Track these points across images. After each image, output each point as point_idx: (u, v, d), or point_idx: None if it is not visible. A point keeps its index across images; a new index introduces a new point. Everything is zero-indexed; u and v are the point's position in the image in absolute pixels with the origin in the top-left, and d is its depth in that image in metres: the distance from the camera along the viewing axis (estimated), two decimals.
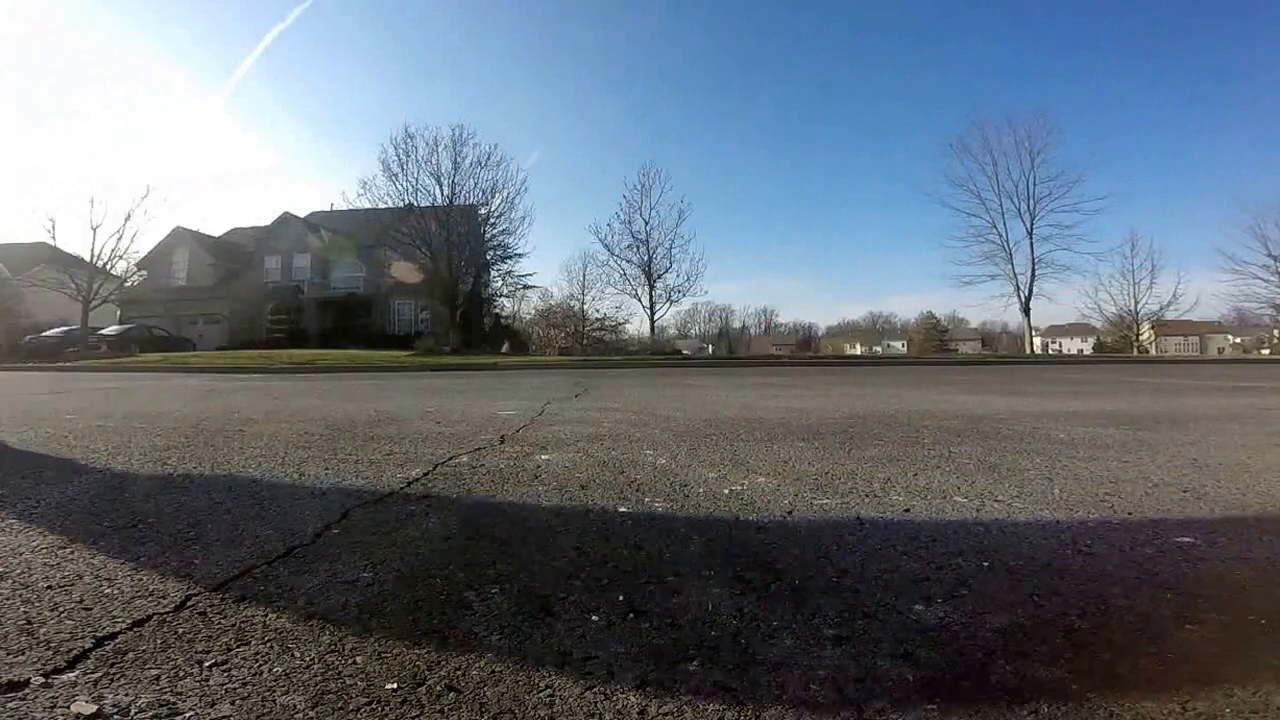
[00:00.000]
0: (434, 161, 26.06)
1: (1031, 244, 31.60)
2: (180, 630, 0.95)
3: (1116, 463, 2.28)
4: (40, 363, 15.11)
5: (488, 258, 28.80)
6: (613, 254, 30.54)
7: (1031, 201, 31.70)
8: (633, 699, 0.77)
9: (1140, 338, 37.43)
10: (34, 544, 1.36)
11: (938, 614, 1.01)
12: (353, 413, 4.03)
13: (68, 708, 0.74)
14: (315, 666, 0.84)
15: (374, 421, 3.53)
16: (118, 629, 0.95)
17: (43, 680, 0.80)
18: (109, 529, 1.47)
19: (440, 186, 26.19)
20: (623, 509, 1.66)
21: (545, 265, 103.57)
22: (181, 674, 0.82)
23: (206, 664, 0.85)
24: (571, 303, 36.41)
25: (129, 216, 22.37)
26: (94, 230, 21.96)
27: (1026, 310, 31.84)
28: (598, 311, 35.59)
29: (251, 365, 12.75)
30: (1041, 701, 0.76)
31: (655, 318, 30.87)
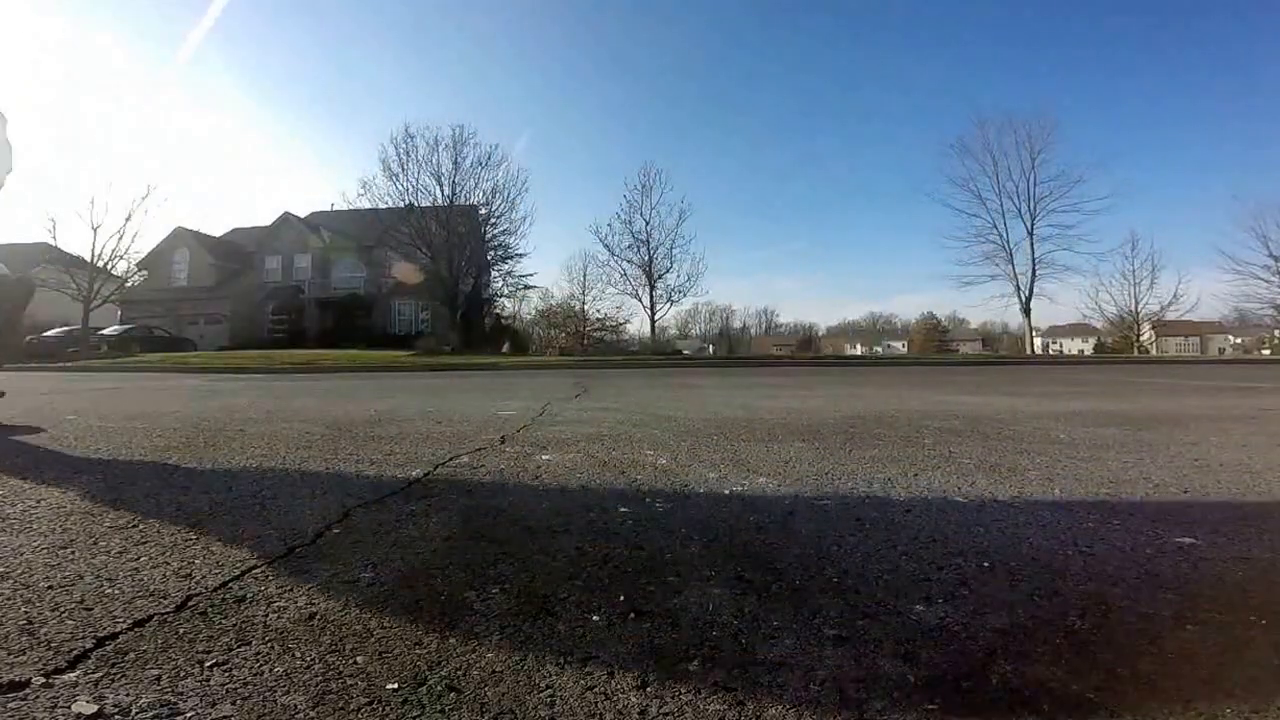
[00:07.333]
0: (434, 161, 26.12)
1: (1032, 244, 31.65)
2: (181, 630, 0.95)
3: (1117, 463, 2.28)
4: (41, 363, 15.11)
5: (488, 258, 28.80)
6: (613, 254, 30.64)
7: (1032, 202, 31.75)
8: (633, 699, 0.77)
9: (1141, 338, 37.40)
10: (35, 544, 1.36)
11: (938, 614, 1.01)
12: (353, 413, 4.03)
13: (69, 708, 0.74)
14: (316, 666, 0.84)
15: (374, 421, 3.53)
16: (119, 629, 0.95)
17: (44, 680, 0.80)
18: (110, 529, 1.47)
19: (441, 186, 26.24)
20: (623, 509, 1.66)
21: (546, 265, 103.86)
22: (182, 674, 0.82)
23: (207, 664, 0.85)
24: (572, 303, 36.44)
25: (129, 216, 22.42)
26: (94, 230, 21.98)
27: (1027, 310, 31.86)
28: (598, 312, 35.65)
29: (252, 365, 12.75)
30: (1042, 702, 0.76)
31: (656, 318, 30.95)
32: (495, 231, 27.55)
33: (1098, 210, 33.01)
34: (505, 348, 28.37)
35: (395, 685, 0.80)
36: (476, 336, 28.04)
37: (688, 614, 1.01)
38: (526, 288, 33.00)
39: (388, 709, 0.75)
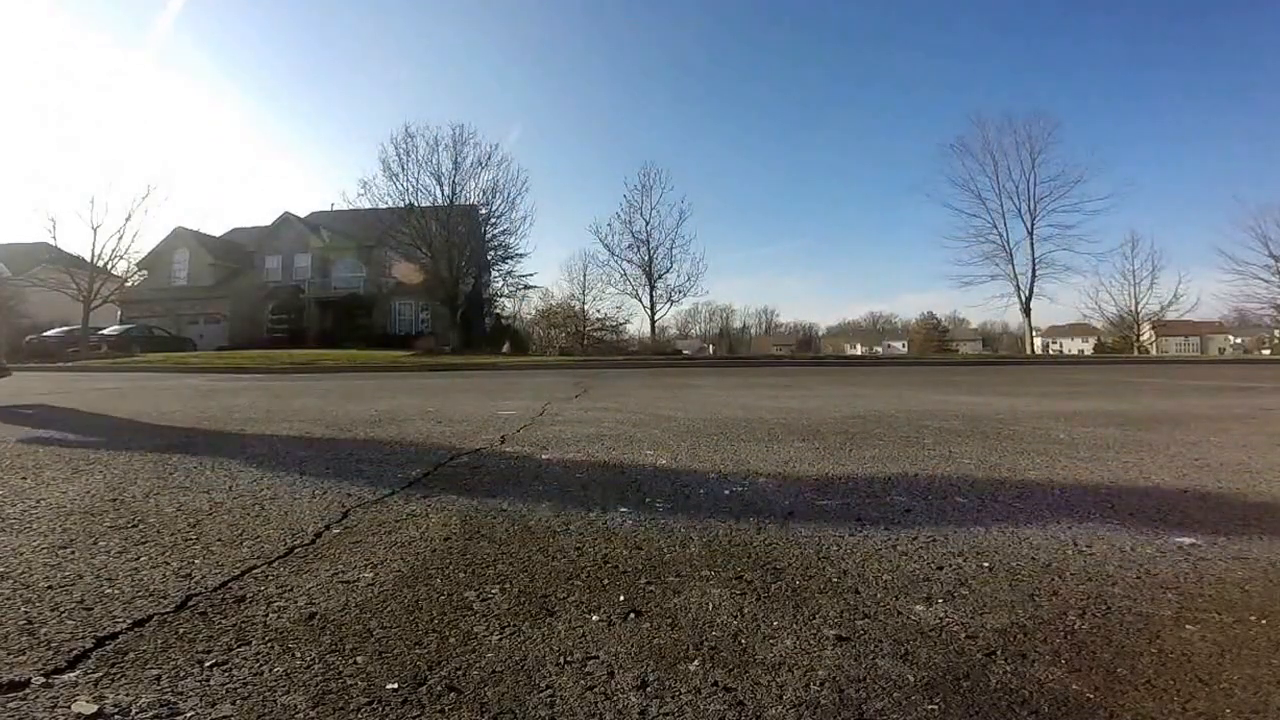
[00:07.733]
0: (434, 161, 26.06)
1: (1032, 244, 31.62)
2: (181, 630, 0.95)
3: (1117, 463, 2.28)
4: (41, 363, 15.11)
5: (488, 258, 28.78)
6: (613, 254, 30.61)
7: (1032, 201, 31.72)
8: (633, 699, 0.77)
9: (1141, 338, 37.39)
10: (34, 544, 1.36)
11: (938, 614, 1.01)
12: (353, 413, 4.03)
13: (68, 708, 0.74)
14: (316, 666, 0.84)
15: (375, 421, 3.54)
16: (118, 629, 0.95)
17: (43, 680, 0.80)
18: (109, 529, 1.47)
19: (441, 186, 26.20)
20: (623, 509, 1.66)
21: (546, 265, 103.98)
22: (182, 674, 0.82)
23: (207, 664, 0.85)
24: (572, 303, 36.41)
25: (129, 216, 22.41)
26: (94, 230, 21.98)
27: (1027, 310, 31.83)
28: (598, 311, 35.61)
29: (252, 365, 12.75)
30: (1041, 702, 0.76)
31: (656, 318, 30.92)
32: (495, 231, 27.52)
33: (1098, 210, 32.90)
34: (505, 348, 28.31)
35: (395, 685, 0.80)
36: (476, 336, 28.04)
37: (688, 614, 1.01)
38: (526, 288, 32.97)
39: (387, 709, 0.75)
